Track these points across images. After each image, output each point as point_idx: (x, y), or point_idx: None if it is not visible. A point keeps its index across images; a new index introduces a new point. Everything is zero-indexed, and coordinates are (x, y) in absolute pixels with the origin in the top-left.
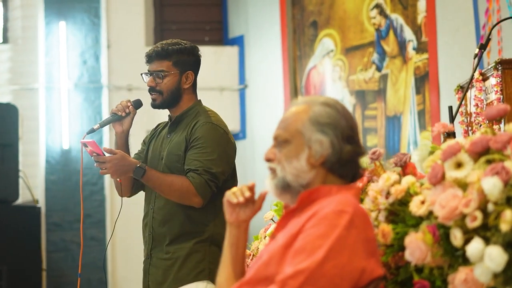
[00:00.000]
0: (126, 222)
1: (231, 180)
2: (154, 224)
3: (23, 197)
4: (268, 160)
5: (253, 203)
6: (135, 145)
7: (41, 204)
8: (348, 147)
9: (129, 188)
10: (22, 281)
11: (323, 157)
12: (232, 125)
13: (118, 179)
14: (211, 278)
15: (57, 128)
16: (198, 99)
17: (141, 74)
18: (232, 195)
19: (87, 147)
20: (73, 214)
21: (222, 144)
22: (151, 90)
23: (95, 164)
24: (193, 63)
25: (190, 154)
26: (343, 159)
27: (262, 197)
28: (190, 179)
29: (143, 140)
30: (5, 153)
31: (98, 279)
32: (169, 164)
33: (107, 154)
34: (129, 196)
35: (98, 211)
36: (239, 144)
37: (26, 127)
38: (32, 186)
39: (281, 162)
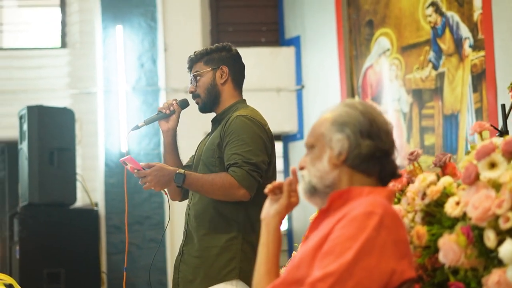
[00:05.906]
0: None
1: (272, 175)
2: (188, 220)
3: (82, 201)
4: (301, 168)
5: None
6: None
7: (101, 206)
8: (367, 142)
9: (176, 192)
10: (80, 283)
11: (343, 155)
12: (290, 126)
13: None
14: (242, 276)
15: (116, 131)
16: (242, 98)
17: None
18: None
19: (127, 164)
20: (133, 216)
21: (257, 134)
22: (193, 96)
23: (139, 182)
24: (225, 58)
25: (227, 150)
26: (363, 155)
27: (282, 188)
28: (231, 173)
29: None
30: (62, 157)
31: (157, 280)
32: (205, 160)
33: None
34: (180, 200)
35: (157, 213)
36: (296, 145)
37: (85, 131)
38: (92, 189)
39: (307, 167)
